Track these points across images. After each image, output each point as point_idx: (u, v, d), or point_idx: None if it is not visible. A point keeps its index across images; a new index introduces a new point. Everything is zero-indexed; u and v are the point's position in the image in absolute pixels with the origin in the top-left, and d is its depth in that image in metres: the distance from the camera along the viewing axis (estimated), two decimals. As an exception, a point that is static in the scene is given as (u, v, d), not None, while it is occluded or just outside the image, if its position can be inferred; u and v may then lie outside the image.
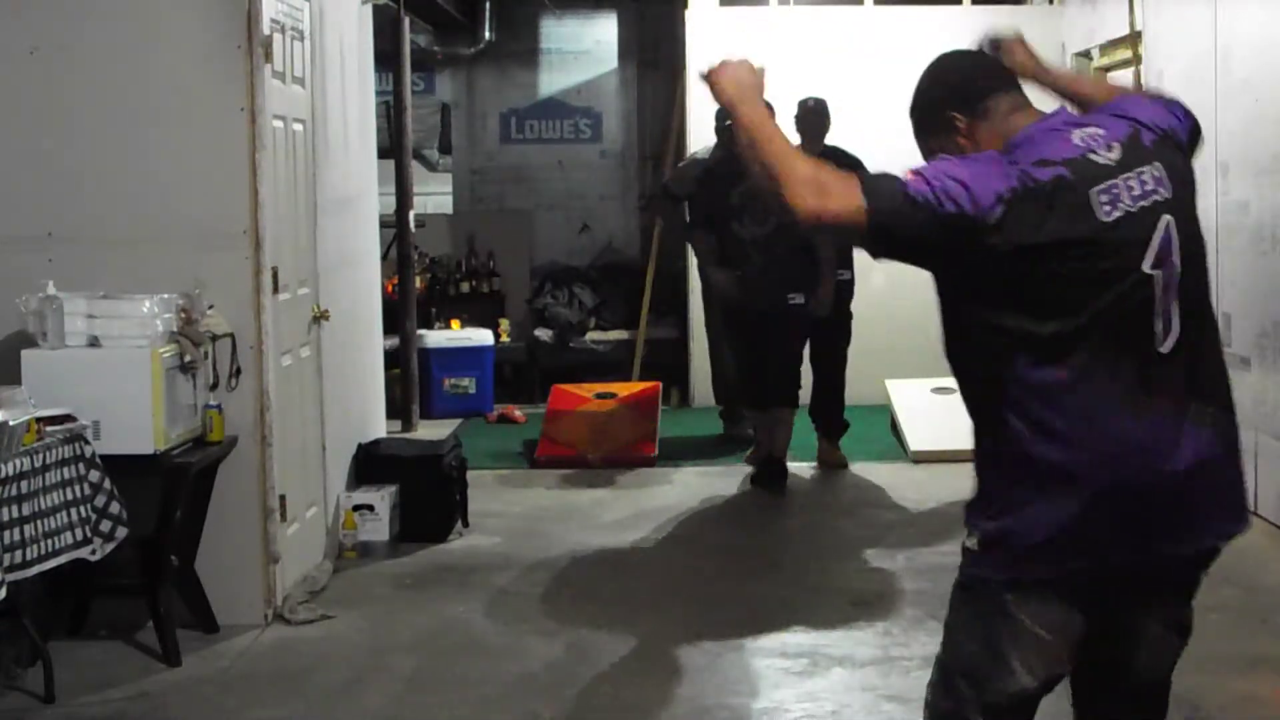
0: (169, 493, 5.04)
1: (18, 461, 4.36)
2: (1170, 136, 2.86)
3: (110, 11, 5.38)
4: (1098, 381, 2.67)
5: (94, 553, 4.69)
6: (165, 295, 5.09)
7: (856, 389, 9.40)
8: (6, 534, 4.30)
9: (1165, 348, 2.72)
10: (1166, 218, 2.72)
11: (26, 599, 4.71)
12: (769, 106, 2.83)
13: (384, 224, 8.05)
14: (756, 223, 7.46)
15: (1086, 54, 9.76)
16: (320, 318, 6.18)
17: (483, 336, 10.39)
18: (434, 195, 12.47)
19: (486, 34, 11.94)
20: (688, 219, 8.27)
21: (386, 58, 8.84)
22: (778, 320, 7.56)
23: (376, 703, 4.76)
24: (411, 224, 9.54)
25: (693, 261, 9.18)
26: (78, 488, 4.63)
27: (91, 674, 4.97)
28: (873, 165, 5.46)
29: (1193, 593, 2.92)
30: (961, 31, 12.05)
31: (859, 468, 8.18)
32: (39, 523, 4.45)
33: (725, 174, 7.50)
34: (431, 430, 9.08)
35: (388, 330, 8.24)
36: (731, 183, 7.39)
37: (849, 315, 8.18)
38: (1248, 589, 5.78)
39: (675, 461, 8.42)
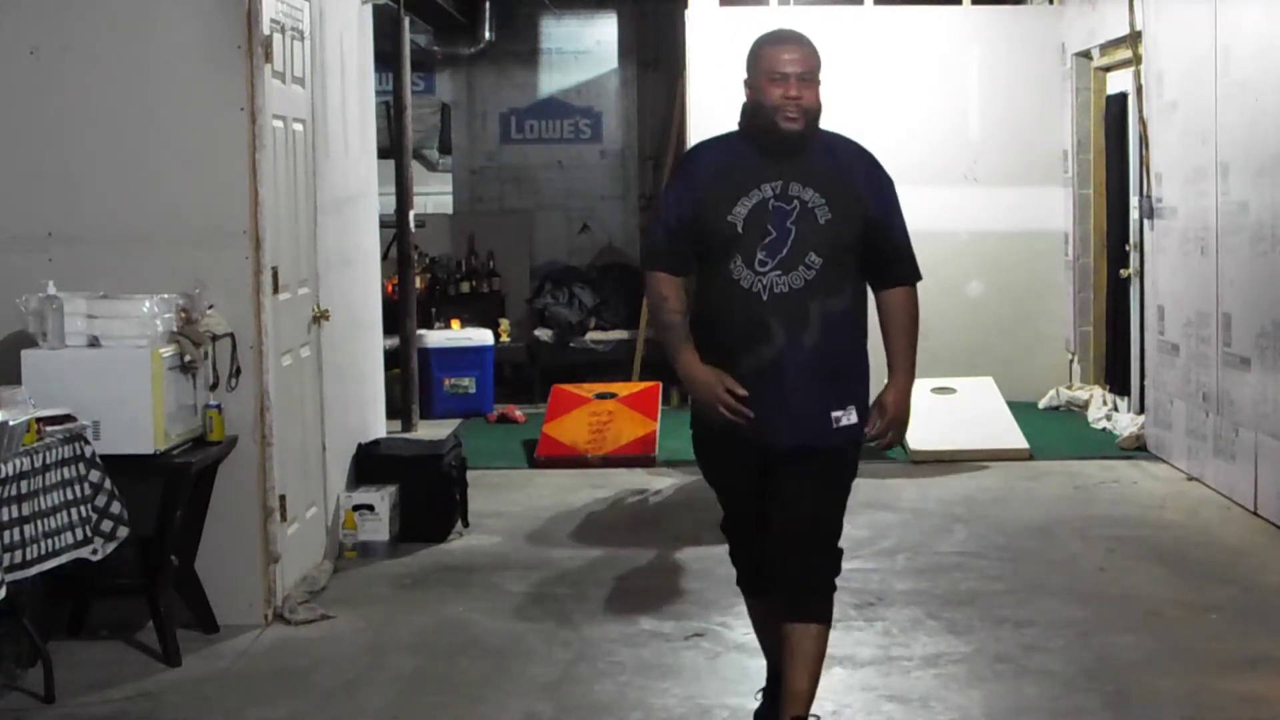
0: (169, 493, 5.04)
1: (18, 461, 4.37)
2: None
3: (110, 11, 5.38)
4: None
5: (94, 553, 4.69)
6: (165, 295, 5.09)
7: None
8: (6, 534, 4.31)
9: None
10: None
11: (26, 599, 4.72)
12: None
13: (384, 224, 8.05)
14: (780, 265, 3.97)
15: (1086, 54, 9.75)
16: (320, 318, 6.18)
17: (483, 336, 10.41)
18: (434, 195, 12.50)
19: (486, 34, 11.96)
20: (651, 247, 4.19)
21: (386, 58, 8.85)
22: (809, 458, 4.11)
23: (376, 703, 4.76)
24: (411, 224, 9.54)
25: None
26: (78, 488, 4.64)
27: (91, 674, 4.97)
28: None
29: None
30: (962, 31, 12.06)
31: (859, 467, 8.15)
32: (39, 523, 4.46)
33: (733, 170, 4.05)
34: (431, 430, 9.07)
35: (388, 330, 8.24)
36: (738, 187, 4.01)
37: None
38: (1248, 589, 5.79)
39: (675, 461, 8.42)
